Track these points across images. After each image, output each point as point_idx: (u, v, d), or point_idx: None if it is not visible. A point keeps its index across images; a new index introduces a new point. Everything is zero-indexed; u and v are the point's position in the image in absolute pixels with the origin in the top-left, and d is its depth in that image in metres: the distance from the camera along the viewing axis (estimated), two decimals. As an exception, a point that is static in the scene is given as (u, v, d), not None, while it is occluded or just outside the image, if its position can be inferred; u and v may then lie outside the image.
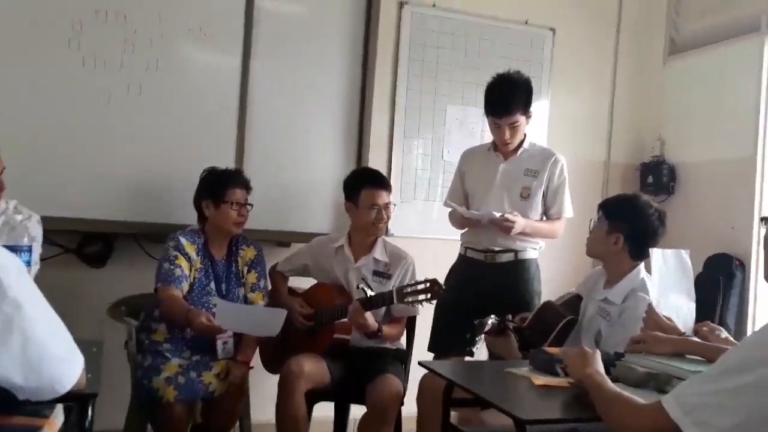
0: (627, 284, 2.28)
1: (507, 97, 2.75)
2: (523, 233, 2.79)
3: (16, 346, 1.17)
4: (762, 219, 1.59)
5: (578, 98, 4.05)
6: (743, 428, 1.19)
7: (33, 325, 1.20)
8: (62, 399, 1.42)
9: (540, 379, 1.77)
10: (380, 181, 2.87)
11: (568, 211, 2.91)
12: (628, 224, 2.31)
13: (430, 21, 3.69)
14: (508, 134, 2.78)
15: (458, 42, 3.74)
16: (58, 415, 1.53)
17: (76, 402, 1.45)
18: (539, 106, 3.93)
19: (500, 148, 2.88)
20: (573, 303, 2.52)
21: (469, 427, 2.24)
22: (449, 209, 2.98)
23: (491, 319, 2.26)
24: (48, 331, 1.25)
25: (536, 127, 3.91)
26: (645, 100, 4.15)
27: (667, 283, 2.12)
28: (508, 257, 2.84)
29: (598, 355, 1.67)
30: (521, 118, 2.77)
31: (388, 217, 2.85)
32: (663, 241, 3.75)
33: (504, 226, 2.70)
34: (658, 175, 3.92)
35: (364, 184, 2.84)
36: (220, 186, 2.75)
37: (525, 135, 2.89)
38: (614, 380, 1.75)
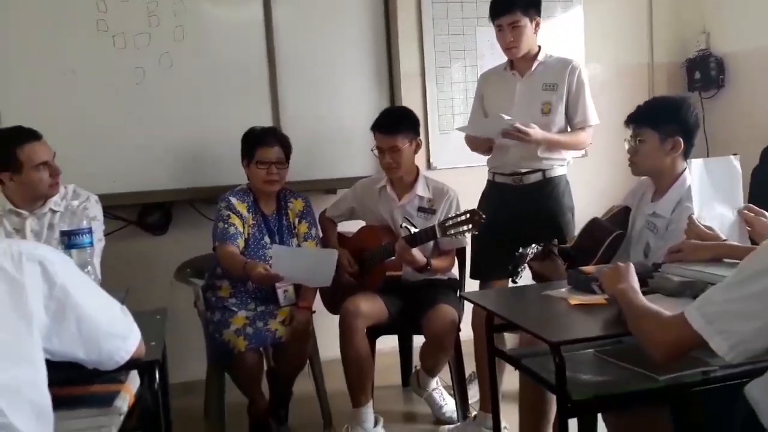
0: (675, 194, 2.21)
1: None
2: (546, 147, 2.74)
3: (73, 326, 1.34)
4: None
5: (613, 1, 3.88)
6: (764, 332, 1.22)
7: (84, 307, 1.36)
8: (134, 366, 1.59)
9: (576, 299, 1.81)
10: (383, 125, 2.85)
11: (593, 118, 2.81)
12: (679, 123, 2.20)
13: (449, -56, 3.58)
14: (510, 36, 2.70)
15: (480, -37, 3.62)
16: (134, 380, 1.71)
17: (146, 367, 1.60)
18: (573, 15, 3.82)
19: (510, 56, 2.79)
20: (621, 216, 2.48)
21: (527, 348, 2.32)
22: (465, 135, 2.95)
23: (531, 249, 2.27)
24: (99, 311, 1.41)
25: (572, 37, 3.81)
26: (685, -9, 3.95)
27: (710, 193, 2.05)
28: (536, 177, 2.80)
29: (632, 269, 1.69)
30: (524, 19, 2.69)
31: (396, 162, 2.83)
32: (720, 134, 3.67)
33: (516, 136, 2.64)
34: (706, 70, 3.78)
35: (374, 129, 2.88)
36: (250, 146, 2.85)
37: (540, 48, 2.81)
38: (652, 291, 1.79)
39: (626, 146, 2.29)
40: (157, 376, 1.57)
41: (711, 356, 1.58)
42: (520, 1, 2.68)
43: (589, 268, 1.93)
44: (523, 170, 2.80)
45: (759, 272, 1.22)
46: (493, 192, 2.92)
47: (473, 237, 2.88)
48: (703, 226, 1.94)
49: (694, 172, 2.02)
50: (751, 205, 2.02)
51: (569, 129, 2.82)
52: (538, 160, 2.78)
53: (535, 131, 2.65)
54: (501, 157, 2.84)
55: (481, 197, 2.97)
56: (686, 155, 2.23)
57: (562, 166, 2.86)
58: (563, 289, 1.93)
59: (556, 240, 2.42)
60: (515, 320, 1.73)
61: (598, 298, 1.78)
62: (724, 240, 1.90)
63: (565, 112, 2.79)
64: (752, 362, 1.55)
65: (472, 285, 3.04)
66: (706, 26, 3.85)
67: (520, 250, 2.29)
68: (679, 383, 1.59)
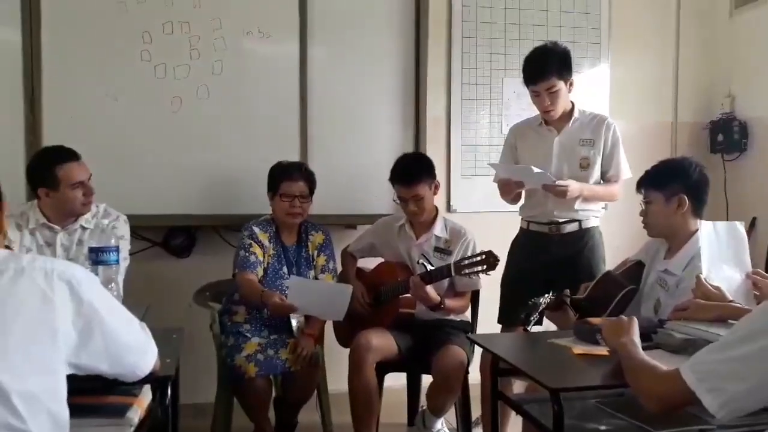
0: (687, 253, 2.25)
1: (540, 62, 2.78)
2: (583, 198, 2.82)
3: (99, 342, 1.41)
4: None
5: (641, 60, 3.97)
6: (754, 392, 1.25)
7: (109, 323, 1.43)
8: (148, 381, 1.66)
9: (580, 349, 1.85)
10: (403, 177, 2.93)
11: (626, 172, 2.90)
12: (682, 181, 2.29)
13: (480, -3, 3.72)
14: (547, 101, 2.78)
15: (511, 15, 3.75)
16: (146, 394, 1.78)
17: (159, 383, 1.67)
18: (599, 71, 3.91)
19: (547, 119, 2.88)
20: (634, 271, 2.52)
21: (529, 394, 2.35)
22: (499, 179, 2.99)
23: (544, 298, 2.31)
24: (123, 327, 1.48)
25: (598, 93, 3.89)
26: (712, 55, 4.02)
27: (718, 254, 2.09)
28: (572, 227, 2.88)
29: (635, 323, 1.73)
30: (558, 83, 2.77)
31: (420, 208, 2.91)
32: (741, 197, 3.70)
33: (557, 191, 2.74)
34: (729, 133, 3.82)
35: (393, 181, 2.98)
36: (275, 179, 2.96)
37: (573, 104, 2.89)
38: (656, 346, 1.83)
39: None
40: (169, 392, 1.63)
41: (709, 415, 1.61)
42: (555, 66, 2.76)
43: (595, 320, 1.97)
44: (560, 220, 2.87)
45: (751, 334, 1.26)
46: (526, 240, 2.97)
47: (502, 283, 2.95)
48: (711, 286, 1.97)
49: (703, 232, 2.07)
50: (759, 270, 2.05)
51: (602, 181, 2.91)
52: (574, 211, 2.86)
53: (573, 186, 2.75)
54: (538, 207, 2.90)
55: (512, 245, 3.02)
56: (697, 214, 2.28)
57: (597, 217, 2.94)
58: (569, 339, 1.97)
59: (568, 291, 2.46)
60: (518, 365, 1.77)
61: (601, 350, 1.81)
62: (731, 301, 1.93)
63: (600, 167, 2.90)
64: (749, 424, 1.58)
65: (484, 329, 3.07)
66: (731, 90, 3.91)
67: (533, 300, 2.34)
68: (676, 439, 1.61)
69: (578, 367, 1.77)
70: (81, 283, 1.39)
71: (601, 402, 1.79)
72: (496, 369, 2.01)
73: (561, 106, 2.83)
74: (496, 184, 3.00)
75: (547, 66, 2.76)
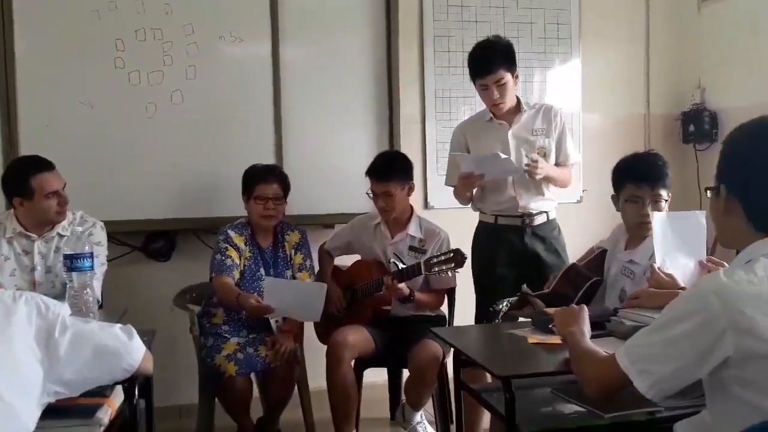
0: (651, 242, 2.25)
1: (487, 55, 2.83)
2: (548, 179, 2.88)
3: (68, 349, 1.52)
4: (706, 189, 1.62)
5: (612, 54, 4.03)
6: (680, 372, 1.32)
7: (73, 329, 1.53)
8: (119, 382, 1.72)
9: (535, 338, 1.92)
10: (377, 172, 2.97)
11: (574, 156, 3.01)
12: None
13: (451, -4, 3.77)
14: (496, 93, 2.83)
15: (483, 13, 3.80)
16: (118, 395, 1.83)
17: (128, 383, 1.73)
18: (571, 66, 3.96)
19: (496, 112, 2.93)
20: (599, 260, 2.57)
21: (492, 383, 2.40)
22: (452, 187, 3.06)
23: (504, 304, 2.35)
24: (96, 332, 1.60)
25: (570, 88, 3.95)
26: (682, 48, 4.08)
27: (673, 244, 2.13)
28: (542, 219, 2.95)
29: (585, 312, 1.78)
30: (506, 75, 2.82)
31: (389, 206, 2.96)
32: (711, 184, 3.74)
33: (532, 167, 2.78)
34: (700, 123, 3.88)
35: (368, 174, 3.01)
36: (248, 182, 3.00)
37: (518, 98, 2.96)
38: (608, 334, 1.90)
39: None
40: (136, 391, 1.68)
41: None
42: (502, 59, 2.82)
43: (550, 310, 2.03)
44: (534, 212, 2.93)
45: (676, 318, 1.32)
46: (493, 234, 2.98)
47: (476, 283, 3.00)
48: (664, 274, 2.03)
49: (657, 224, 2.12)
50: (712, 257, 2.11)
51: None
52: (542, 201, 2.93)
53: (542, 161, 2.81)
54: (507, 201, 2.93)
55: (477, 241, 3.04)
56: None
57: (555, 208, 3.02)
58: (526, 329, 2.03)
59: (525, 286, 2.46)
60: (473, 356, 1.84)
61: (555, 338, 1.88)
62: (683, 288, 1.99)
63: None
64: (695, 405, 1.64)
65: (459, 323, 3.13)
66: (701, 81, 3.98)
67: (493, 307, 2.39)
68: (624, 421, 1.67)
69: (533, 356, 1.84)
70: (66, 317, 1.52)
71: (556, 389, 1.85)
72: (459, 360, 2.07)
73: (509, 99, 2.89)
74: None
75: (494, 59, 2.81)
